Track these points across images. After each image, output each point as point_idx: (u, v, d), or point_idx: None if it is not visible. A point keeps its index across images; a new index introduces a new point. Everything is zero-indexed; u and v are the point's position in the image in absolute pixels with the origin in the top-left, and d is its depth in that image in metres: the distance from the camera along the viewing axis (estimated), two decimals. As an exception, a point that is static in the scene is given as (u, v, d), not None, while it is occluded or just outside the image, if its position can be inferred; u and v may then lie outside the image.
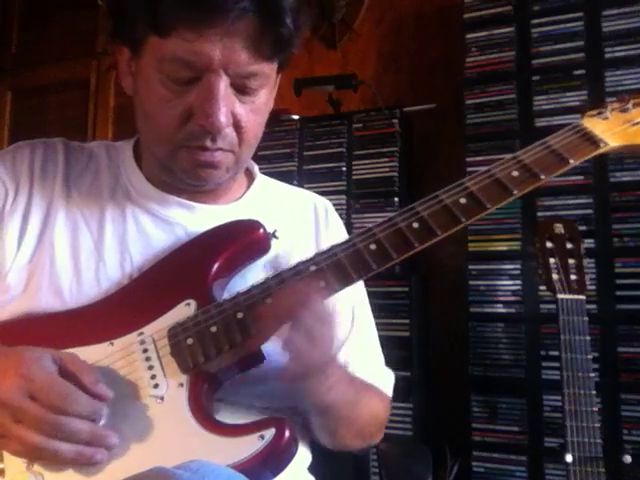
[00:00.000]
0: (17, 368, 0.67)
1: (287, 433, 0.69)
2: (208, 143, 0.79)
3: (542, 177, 0.77)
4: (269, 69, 0.80)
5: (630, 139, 0.82)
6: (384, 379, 0.97)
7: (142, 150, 0.92)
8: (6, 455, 0.71)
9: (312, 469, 0.92)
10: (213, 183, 0.86)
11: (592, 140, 0.81)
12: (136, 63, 0.81)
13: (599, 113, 0.84)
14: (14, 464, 0.70)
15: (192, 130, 0.78)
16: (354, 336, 0.95)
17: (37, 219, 0.85)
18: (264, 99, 0.82)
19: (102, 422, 0.71)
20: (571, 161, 0.78)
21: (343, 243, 0.76)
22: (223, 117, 0.76)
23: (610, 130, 0.82)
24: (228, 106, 0.77)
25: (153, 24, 0.73)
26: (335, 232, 0.99)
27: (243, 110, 0.79)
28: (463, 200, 0.76)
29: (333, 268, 0.74)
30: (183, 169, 0.83)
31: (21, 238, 0.83)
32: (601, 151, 0.80)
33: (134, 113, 0.86)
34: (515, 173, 0.78)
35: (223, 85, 0.75)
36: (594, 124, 0.83)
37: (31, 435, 0.65)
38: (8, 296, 0.81)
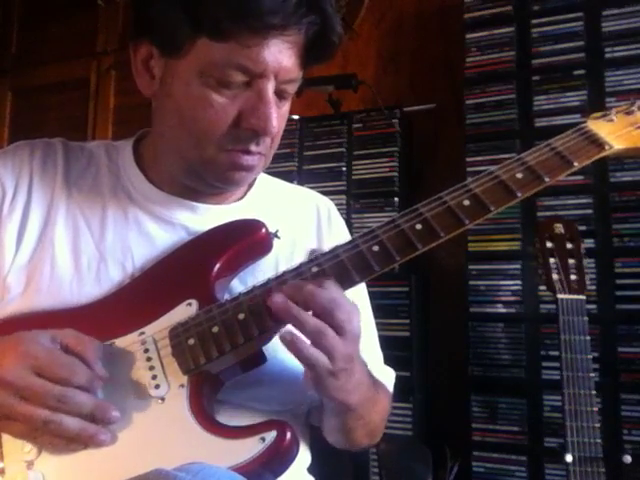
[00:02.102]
0: (17, 348, 0.68)
1: (288, 436, 0.69)
2: (253, 147, 0.80)
3: (546, 180, 0.77)
4: (301, 75, 0.82)
5: (635, 142, 0.82)
6: (386, 375, 0.98)
7: (152, 150, 0.90)
8: (6, 454, 0.71)
9: (312, 469, 0.92)
10: (239, 186, 0.88)
11: (597, 142, 0.80)
12: (167, 63, 0.79)
13: (604, 115, 0.84)
14: (14, 463, 0.70)
15: (240, 133, 0.78)
16: None
17: (37, 219, 0.84)
18: (289, 104, 0.84)
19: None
20: (575, 163, 0.78)
21: (346, 244, 0.76)
22: (275, 121, 0.78)
23: (615, 133, 0.81)
24: (276, 111, 0.78)
25: (210, 28, 0.73)
26: (338, 233, 0.99)
27: (278, 115, 0.80)
28: (467, 202, 0.76)
29: (335, 269, 0.74)
30: (218, 171, 0.82)
31: (20, 239, 0.83)
32: (605, 154, 0.80)
33: (157, 114, 0.85)
34: (519, 175, 0.78)
35: (272, 90, 0.77)
36: (599, 126, 0.82)
37: (37, 411, 0.66)
38: (8, 296, 0.81)
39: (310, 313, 0.70)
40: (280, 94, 0.80)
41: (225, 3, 0.71)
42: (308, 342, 0.69)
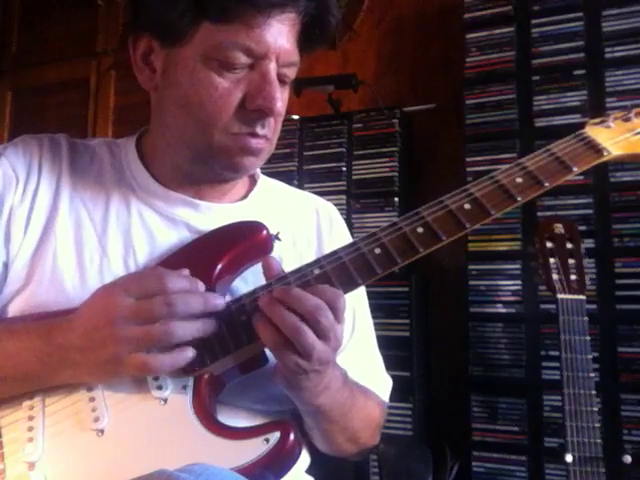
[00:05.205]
0: (105, 293, 0.72)
1: (292, 437, 0.69)
2: (258, 129, 0.81)
3: (546, 184, 0.78)
4: (299, 61, 0.84)
5: (632, 148, 0.83)
6: (381, 384, 0.97)
7: (152, 146, 0.90)
8: (7, 455, 0.71)
9: (312, 469, 0.92)
10: (248, 172, 0.90)
11: (595, 148, 0.81)
12: (170, 54, 0.81)
13: (602, 122, 0.85)
14: (15, 464, 0.70)
15: (246, 115, 0.80)
16: (354, 341, 0.95)
17: (42, 210, 0.85)
18: (288, 92, 0.86)
19: (104, 422, 0.71)
20: (574, 169, 0.80)
21: (347, 246, 0.77)
22: (280, 101, 0.80)
23: (613, 139, 0.83)
24: (280, 91, 0.81)
25: (214, 11, 0.75)
26: (339, 237, 0.99)
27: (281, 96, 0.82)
28: (467, 206, 0.77)
29: (337, 272, 0.74)
30: (227, 157, 0.83)
31: (27, 228, 0.83)
32: (604, 160, 0.82)
33: (159, 107, 0.86)
34: (519, 180, 0.79)
35: (274, 71, 0.79)
36: (597, 132, 0.84)
37: (155, 326, 0.68)
38: (11, 288, 0.81)
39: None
40: (281, 78, 0.81)
41: None
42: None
